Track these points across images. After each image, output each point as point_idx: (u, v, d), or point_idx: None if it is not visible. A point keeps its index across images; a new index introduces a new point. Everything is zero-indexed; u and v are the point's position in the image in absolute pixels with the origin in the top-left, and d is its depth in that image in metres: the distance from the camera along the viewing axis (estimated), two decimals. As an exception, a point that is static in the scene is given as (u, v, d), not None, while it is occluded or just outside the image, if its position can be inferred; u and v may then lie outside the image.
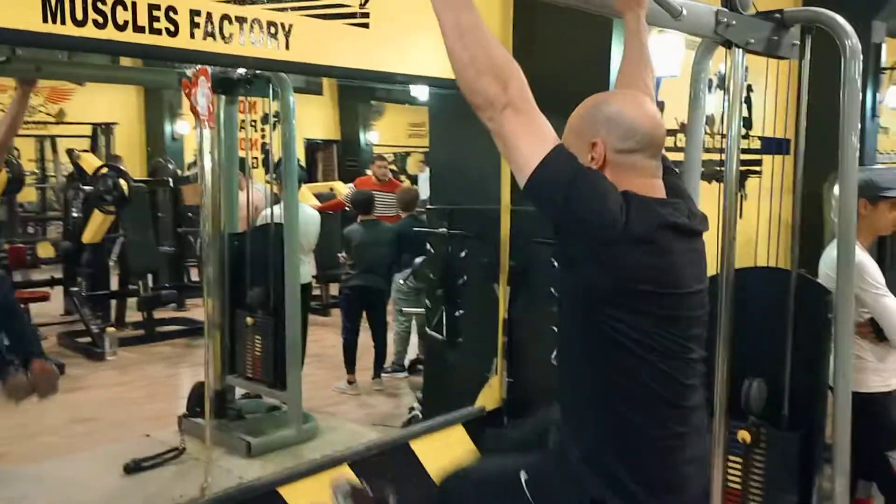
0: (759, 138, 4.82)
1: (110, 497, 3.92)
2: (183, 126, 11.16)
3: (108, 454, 4.46)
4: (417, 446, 3.99)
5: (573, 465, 1.68)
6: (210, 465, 3.67)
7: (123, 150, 10.49)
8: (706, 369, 1.76)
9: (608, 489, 1.63)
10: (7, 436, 4.95)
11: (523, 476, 1.75)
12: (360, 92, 12.77)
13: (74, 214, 7.77)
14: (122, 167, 7.18)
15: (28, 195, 12.30)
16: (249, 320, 4.64)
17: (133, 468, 4.15)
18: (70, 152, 8.56)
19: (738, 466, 2.72)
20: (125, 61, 5.90)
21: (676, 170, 1.91)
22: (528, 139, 1.53)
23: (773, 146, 4.54)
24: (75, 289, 7.47)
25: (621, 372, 1.62)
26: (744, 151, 2.90)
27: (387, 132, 14.38)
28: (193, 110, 3.05)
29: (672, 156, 1.94)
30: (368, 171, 13.32)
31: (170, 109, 11.34)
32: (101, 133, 9.35)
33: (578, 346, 1.69)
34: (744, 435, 2.67)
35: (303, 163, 11.56)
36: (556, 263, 1.75)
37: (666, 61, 3.92)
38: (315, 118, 12.75)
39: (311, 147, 12.93)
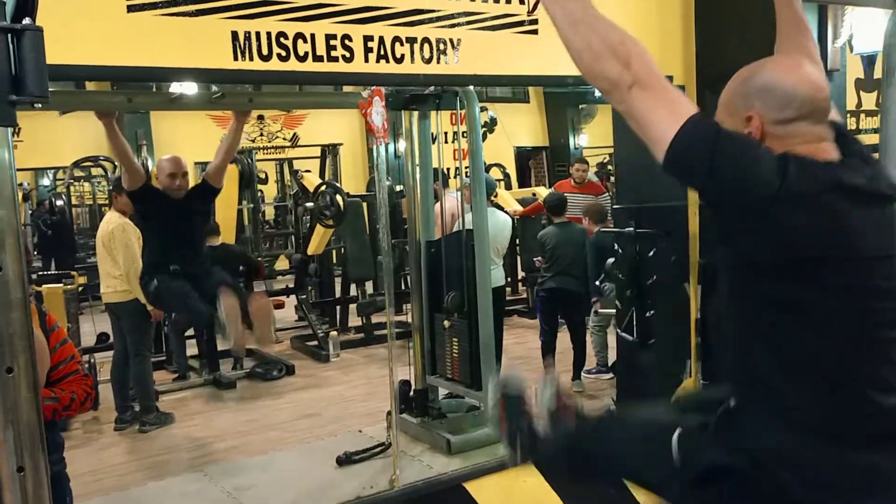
0: None
1: (323, 486, 4.27)
2: (402, 144, 11.82)
3: (324, 447, 4.85)
4: (606, 448, 3.96)
5: (734, 432, 1.55)
6: (399, 458, 3.88)
7: (347, 169, 11.30)
8: None
9: (762, 466, 1.48)
10: (242, 430, 5.56)
11: (678, 431, 1.62)
12: (568, 97, 12.79)
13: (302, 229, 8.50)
14: (338, 184, 7.76)
15: (272, 213, 13.66)
16: (446, 323, 4.85)
17: (344, 460, 4.48)
18: (294, 173, 9.38)
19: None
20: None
21: (855, 137, 1.68)
22: (661, 113, 1.46)
23: None
24: (303, 296, 8.18)
25: (792, 351, 1.47)
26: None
27: (598, 135, 14.24)
28: (369, 128, 3.27)
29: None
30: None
31: (393, 129, 12.07)
32: (329, 153, 10.09)
33: (745, 326, 1.55)
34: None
35: (509, 170, 11.81)
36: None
37: (865, 36, 3.61)
38: (523, 126, 12.93)
39: (521, 155, 13.12)
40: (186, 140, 10.68)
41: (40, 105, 1.28)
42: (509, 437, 2.14)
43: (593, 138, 14.10)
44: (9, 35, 1.23)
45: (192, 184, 4.49)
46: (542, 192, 8.75)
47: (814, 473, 1.46)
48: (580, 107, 13.55)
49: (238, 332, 3.83)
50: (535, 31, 3.52)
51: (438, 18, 3.25)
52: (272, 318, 4.10)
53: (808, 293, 1.43)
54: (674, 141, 1.43)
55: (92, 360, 6.00)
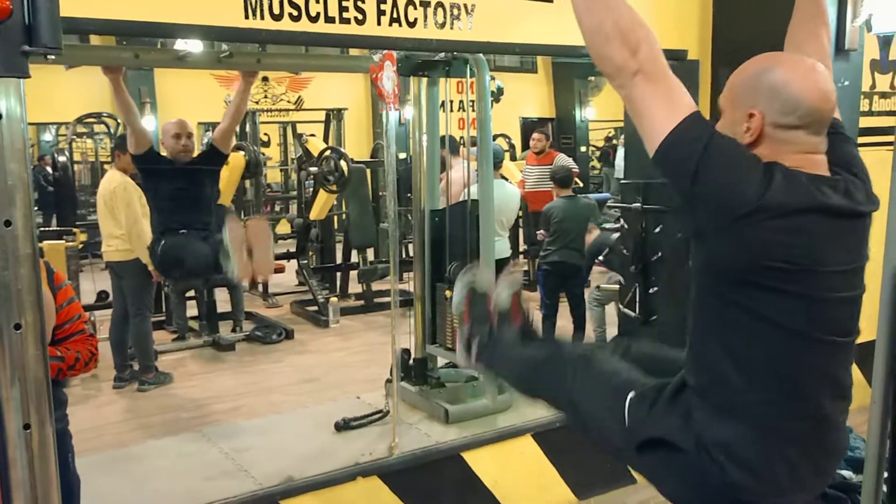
0: None
1: (320, 451, 4.28)
2: (407, 111, 11.72)
3: (323, 412, 4.86)
4: (605, 422, 3.96)
5: (683, 406, 1.62)
6: (399, 426, 3.88)
7: (351, 134, 11.23)
8: (847, 354, 1.61)
9: (708, 452, 1.56)
10: (240, 392, 5.58)
11: (631, 395, 1.71)
12: (577, 68, 12.67)
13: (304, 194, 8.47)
14: (342, 150, 7.71)
15: (274, 176, 13.62)
16: (448, 293, 4.83)
17: (342, 426, 4.50)
18: (299, 137, 9.32)
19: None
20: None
21: (849, 136, 1.74)
22: (660, 106, 1.48)
23: None
24: (304, 261, 8.17)
25: (750, 352, 1.53)
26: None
27: (605, 107, 14.14)
28: (379, 93, 3.23)
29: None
30: (583, 148, 13.31)
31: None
32: (333, 118, 10.04)
33: (706, 321, 1.61)
34: None
35: (515, 141, 11.74)
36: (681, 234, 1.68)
37: (885, 16, 3.55)
38: (530, 96, 12.84)
39: (527, 125, 13.03)
40: (190, 99, 10.61)
41: (53, 57, 1.25)
42: (468, 335, 2.18)
43: (600, 111, 13.99)
44: (22, -17, 1.20)
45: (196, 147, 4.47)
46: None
47: (756, 465, 1.54)
48: (588, 79, 13.43)
49: (242, 258, 3.82)
50: (549, 0, 3.47)
51: (453, -17, 3.21)
52: (270, 240, 4.07)
53: (771, 300, 1.48)
54: (667, 137, 1.46)
55: (92, 319, 6.00)
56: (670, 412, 1.63)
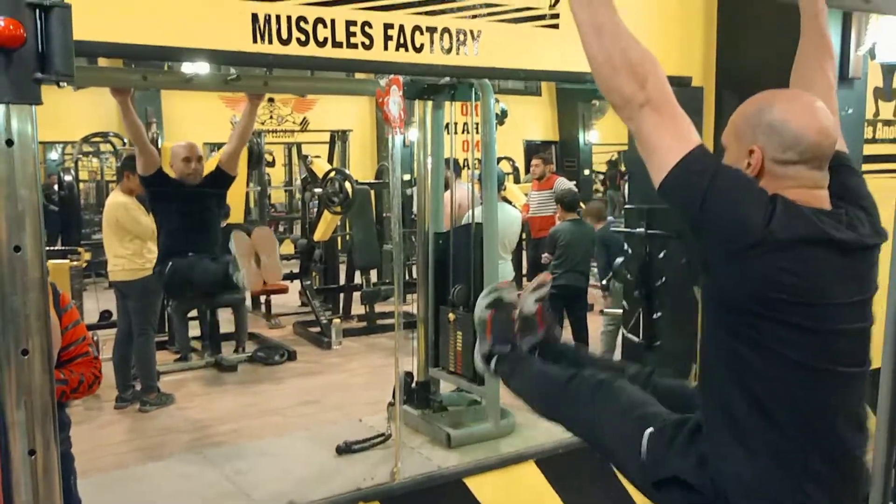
0: None
1: (321, 475, 4.26)
2: (412, 133, 11.78)
3: (324, 435, 4.84)
4: (608, 448, 3.94)
5: (700, 447, 1.63)
6: (401, 450, 3.86)
7: (355, 156, 11.26)
8: (860, 385, 1.60)
9: (724, 494, 1.56)
10: (242, 414, 5.56)
11: (650, 430, 1.71)
12: (581, 92, 12.72)
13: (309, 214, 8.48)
14: (347, 171, 7.75)
15: (278, 197, 13.66)
16: (451, 316, 4.83)
17: (344, 449, 4.48)
18: (304, 158, 9.36)
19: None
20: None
21: (856, 168, 1.75)
22: (667, 138, 1.50)
23: None
24: (308, 282, 8.17)
25: (758, 385, 1.53)
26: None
27: (609, 131, 14.19)
28: (385, 117, 3.25)
29: None
30: (586, 171, 13.33)
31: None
32: (338, 139, 10.09)
33: (716, 353, 1.62)
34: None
35: (518, 163, 11.77)
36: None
37: (889, 45, 3.57)
38: (533, 119, 12.88)
39: (531, 148, 13.07)
40: (196, 120, 10.67)
41: (65, 84, 1.26)
42: (489, 348, 2.15)
43: (604, 135, 14.03)
44: (37, 11, 1.21)
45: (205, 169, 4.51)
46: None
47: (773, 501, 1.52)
48: (592, 102, 13.49)
49: (251, 267, 3.98)
50: (555, 26, 3.49)
51: (460, 9, 3.22)
52: (275, 246, 4.20)
53: (776, 331, 1.49)
54: (673, 169, 1.48)
55: (95, 338, 5.99)
56: (687, 452, 1.64)
